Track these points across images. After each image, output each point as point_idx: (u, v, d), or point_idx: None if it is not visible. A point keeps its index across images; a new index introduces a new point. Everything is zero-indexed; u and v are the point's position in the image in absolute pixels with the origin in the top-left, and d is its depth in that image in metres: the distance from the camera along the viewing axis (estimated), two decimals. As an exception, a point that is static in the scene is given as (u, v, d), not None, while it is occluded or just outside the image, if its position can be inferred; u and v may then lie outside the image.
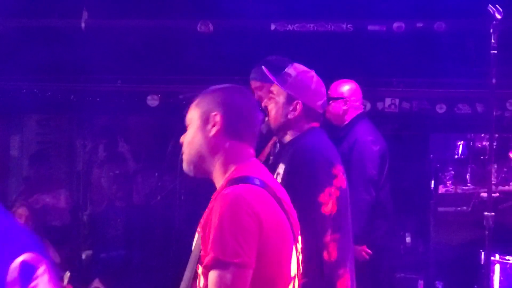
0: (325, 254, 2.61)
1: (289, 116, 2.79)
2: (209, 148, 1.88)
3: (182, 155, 1.98)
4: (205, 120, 1.89)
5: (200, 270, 1.79)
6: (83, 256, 5.95)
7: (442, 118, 5.37)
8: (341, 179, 2.79)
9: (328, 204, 2.65)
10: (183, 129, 2.02)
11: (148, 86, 5.63)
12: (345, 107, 4.27)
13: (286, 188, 2.03)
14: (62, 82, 5.78)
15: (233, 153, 1.88)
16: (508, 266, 4.48)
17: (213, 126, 1.87)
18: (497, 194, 6.00)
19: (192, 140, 1.92)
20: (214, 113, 1.87)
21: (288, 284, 1.83)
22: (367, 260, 4.06)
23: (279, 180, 2.69)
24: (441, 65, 5.09)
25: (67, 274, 3.74)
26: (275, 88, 2.86)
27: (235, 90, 2.03)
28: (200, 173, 1.95)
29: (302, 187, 2.63)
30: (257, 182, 1.81)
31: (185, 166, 1.97)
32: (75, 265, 5.76)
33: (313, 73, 2.90)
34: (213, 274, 1.68)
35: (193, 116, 1.96)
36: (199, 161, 1.91)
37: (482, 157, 6.55)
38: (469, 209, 6.40)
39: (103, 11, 5.34)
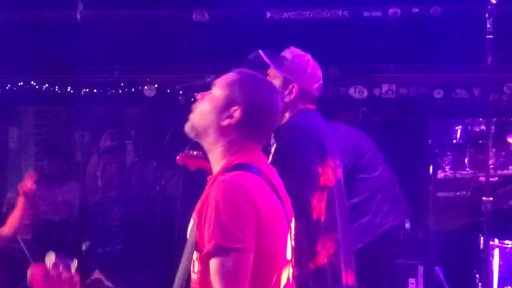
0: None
1: (285, 99, 2.78)
2: (216, 131, 1.89)
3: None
4: (225, 107, 1.88)
5: (195, 255, 1.80)
6: (83, 248, 5.97)
7: (439, 103, 5.36)
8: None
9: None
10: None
11: (145, 76, 5.64)
12: None
13: (275, 165, 2.06)
14: (59, 74, 5.80)
15: (236, 144, 1.88)
16: (507, 250, 4.48)
17: (228, 118, 1.86)
18: (496, 179, 6.01)
19: (205, 113, 1.91)
20: (235, 107, 1.86)
21: (284, 267, 1.86)
22: (367, 247, 4.09)
23: (270, 158, 2.70)
24: (437, 50, 5.09)
25: (75, 261, 3.71)
26: (271, 72, 2.88)
27: (263, 85, 2.03)
28: (198, 140, 1.97)
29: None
30: (253, 170, 1.83)
31: (188, 126, 1.97)
32: (75, 257, 5.79)
33: (309, 56, 2.94)
34: (215, 261, 1.69)
35: (220, 87, 1.95)
36: (203, 134, 1.92)
37: (480, 142, 6.55)
38: (468, 194, 6.40)
39: (98, 2, 5.34)
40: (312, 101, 2.91)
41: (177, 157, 2.60)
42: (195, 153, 3.11)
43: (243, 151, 1.89)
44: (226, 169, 1.82)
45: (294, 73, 2.84)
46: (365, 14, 5.04)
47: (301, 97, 2.84)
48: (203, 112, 1.93)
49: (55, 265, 1.70)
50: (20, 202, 4.28)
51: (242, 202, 1.71)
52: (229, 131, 1.88)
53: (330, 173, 2.78)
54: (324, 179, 2.74)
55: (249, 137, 1.91)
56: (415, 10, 4.94)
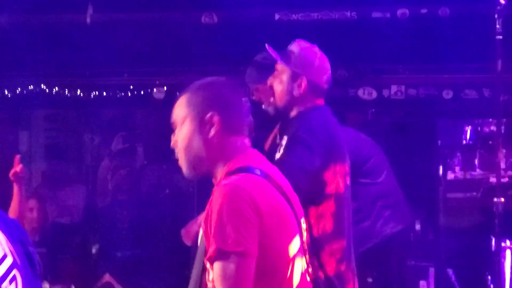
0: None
1: (294, 93, 2.79)
2: (208, 149, 1.86)
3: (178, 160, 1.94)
4: (201, 122, 1.85)
5: (208, 264, 1.81)
6: (93, 251, 5.98)
7: (449, 104, 5.37)
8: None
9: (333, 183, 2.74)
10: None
11: (154, 79, 5.67)
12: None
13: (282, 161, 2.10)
14: (69, 77, 5.83)
15: (231, 148, 1.87)
16: (519, 251, 4.48)
17: (212, 127, 1.84)
18: (506, 179, 5.99)
19: (188, 144, 1.88)
20: (210, 114, 1.84)
21: (296, 266, 1.85)
22: (378, 249, 4.10)
23: (281, 151, 2.71)
24: (446, 50, 5.09)
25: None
26: (279, 66, 2.86)
27: (222, 84, 2.03)
28: (201, 174, 1.95)
29: None
30: (257, 171, 1.82)
31: (185, 171, 1.93)
32: (85, 260, 5.81)
33: (316, 48, 2.91)
34: (216, 265, 1.70)
35: (183, 115, 1.91)
36: (199, 164, 1.89)
37: (490, 142, 6.54)
38: (479, 195, 6.40)
39: (108, 5, 5.38)
40: (321, 94, 2.89)
41: None
42: None
43: (239, 152, 1.89)
44: (227, 174, 1.82)
45: (302, 66, 2.82)
46: (374, 15, 5.07)
47: (310, 91, 2.81)
48: (185, 145, 1.90)
49: None
50: (15, 189, 4.25)
51: (243, 205, 1.71)
52: (218, 138, 1.87)
53: (340, 180, 2.76)
54: (334, 186, 2.72)
55: (235, 131, 1.91)
56: (424, 11, 4.96)
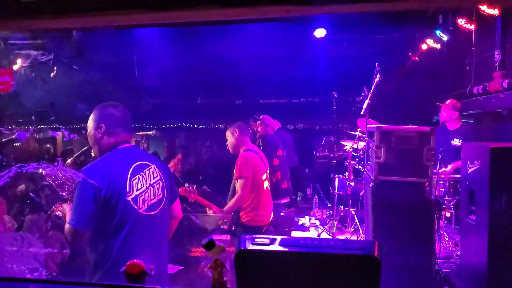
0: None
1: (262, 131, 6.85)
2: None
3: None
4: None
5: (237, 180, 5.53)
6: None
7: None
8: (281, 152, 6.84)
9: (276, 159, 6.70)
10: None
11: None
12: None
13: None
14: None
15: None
16: None
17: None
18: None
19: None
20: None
21: (264, 183, 5.54)
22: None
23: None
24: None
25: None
26: (259, 122, 6.98)
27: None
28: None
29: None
30: (254, 151, 5.56)
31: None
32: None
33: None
34: (239, 181, 5.44)
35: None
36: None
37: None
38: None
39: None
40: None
41: (179, 190, 5.39)
42: (194, 188, 5.78)
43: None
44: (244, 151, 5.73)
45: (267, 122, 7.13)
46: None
47: (267, 128, 7.39)
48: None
49: None
50: None
51: (249, 160, 5.53)
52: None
53: (283, 150, 7.37)
54: (280, 153, 7.41)
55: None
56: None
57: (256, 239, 1.64)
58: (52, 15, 2.26)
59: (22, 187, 6.77)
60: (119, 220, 3.05)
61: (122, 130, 3.29)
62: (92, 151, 3.37)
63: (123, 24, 2.36)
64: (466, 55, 7.50)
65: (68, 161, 3.37)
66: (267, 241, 1.62)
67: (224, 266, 1.77)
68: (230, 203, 5.44)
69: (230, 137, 5.54)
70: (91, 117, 3.29)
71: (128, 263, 1.88)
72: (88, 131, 3.31)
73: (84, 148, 3.60)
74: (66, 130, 12.19)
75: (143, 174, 3.21)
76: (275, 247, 1.60)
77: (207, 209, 5.55)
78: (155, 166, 3.31)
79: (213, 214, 5.54)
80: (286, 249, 1.60)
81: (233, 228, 5.54)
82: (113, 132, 3.25)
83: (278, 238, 1.63)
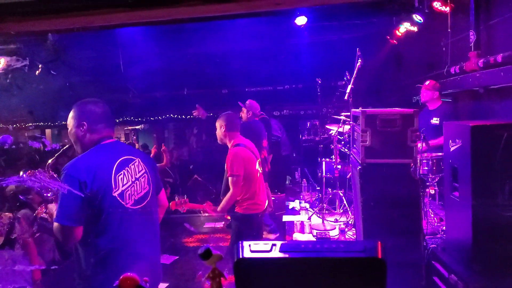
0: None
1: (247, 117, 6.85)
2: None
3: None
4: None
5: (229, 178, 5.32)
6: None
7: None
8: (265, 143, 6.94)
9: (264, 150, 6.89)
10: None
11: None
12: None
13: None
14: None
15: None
16: None
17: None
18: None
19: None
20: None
21: (256, 178, 5.35)
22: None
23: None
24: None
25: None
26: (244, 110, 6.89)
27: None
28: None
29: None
30: (243, 145, 5.30)
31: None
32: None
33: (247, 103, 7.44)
34: (230, 178, 5.43)
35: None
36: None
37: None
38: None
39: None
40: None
41: (170, 204, 4.95)
42: (184, 199, 5.37)
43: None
44: (233, 146, 5.49)
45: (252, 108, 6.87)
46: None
47: (253, 115, 7.05)
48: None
49: None
50: None
51: (240, 155, 5.30)
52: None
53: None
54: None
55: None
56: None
57: (255, 246, 1.57)
58: (29, 17, 2.21)
59: (12, 187, 6.94)
60: (107, 217, 3.07)
61: (105, 126, 3.31)
62: (73, 149, 3.40)
63: (104, 24, 2.30)
64: (442, 37, 7.72)
65: (49, 161, 3.33)
66: (267, 247, 1.55)
67: (222, 275, 1.71)
68: (224, 201, 5.39)
69: (218, 130, 5.54)
70: (71, 114, 3.29)
71: (121, 277, 1.75)
72: (69, 130, 3.32)
73: (66, 147, 3.60)
74: (47, 140, 12.19)
75: (128, 169, 3.25)
76: (275, 253, 1.54)
77: (201, 211, 5.50)
78: (139, 160, 3.37)
79: (207, 215, 5.45)
80: (287, 255, 1.54)
81: (229, 218, 5.63)
82: (96, 129, 3.28)
83: (278, 244, 1.56)
